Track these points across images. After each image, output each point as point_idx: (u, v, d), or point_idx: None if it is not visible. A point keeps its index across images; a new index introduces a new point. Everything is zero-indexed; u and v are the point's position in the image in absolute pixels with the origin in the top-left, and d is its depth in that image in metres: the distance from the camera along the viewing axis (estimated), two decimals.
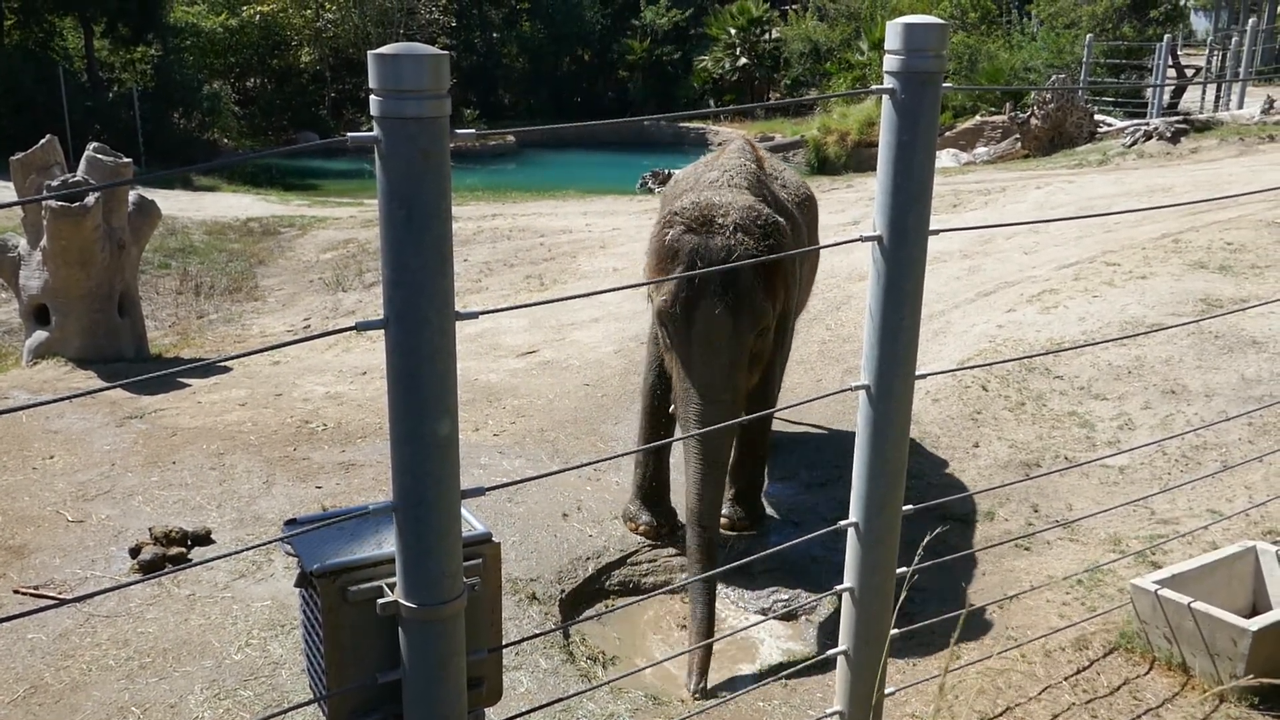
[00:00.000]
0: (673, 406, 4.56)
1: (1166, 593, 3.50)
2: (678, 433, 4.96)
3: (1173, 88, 20.16)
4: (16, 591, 4.26)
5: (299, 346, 8.20)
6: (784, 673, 3.91)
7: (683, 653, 4.27)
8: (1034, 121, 17.96)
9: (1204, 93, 20.84)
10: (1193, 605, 3.42)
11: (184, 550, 4.59)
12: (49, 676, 3.72)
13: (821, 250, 5.74)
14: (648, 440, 5.01)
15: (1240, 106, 19.19)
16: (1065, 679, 3.54)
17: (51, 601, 4.14)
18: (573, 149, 28.04)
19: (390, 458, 2.05)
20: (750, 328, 4.14)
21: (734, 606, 4.66)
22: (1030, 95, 18.53)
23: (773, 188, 4.83)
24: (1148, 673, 3.53)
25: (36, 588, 4.29)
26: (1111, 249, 8.28)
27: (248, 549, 2.36)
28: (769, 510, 5.23)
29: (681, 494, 5.18)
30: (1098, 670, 3.57)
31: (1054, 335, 6.51)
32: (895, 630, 3.05)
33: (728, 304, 4.06)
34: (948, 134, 19.22)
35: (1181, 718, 3.31)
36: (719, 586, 4.71)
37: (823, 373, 7.01)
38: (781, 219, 4.31)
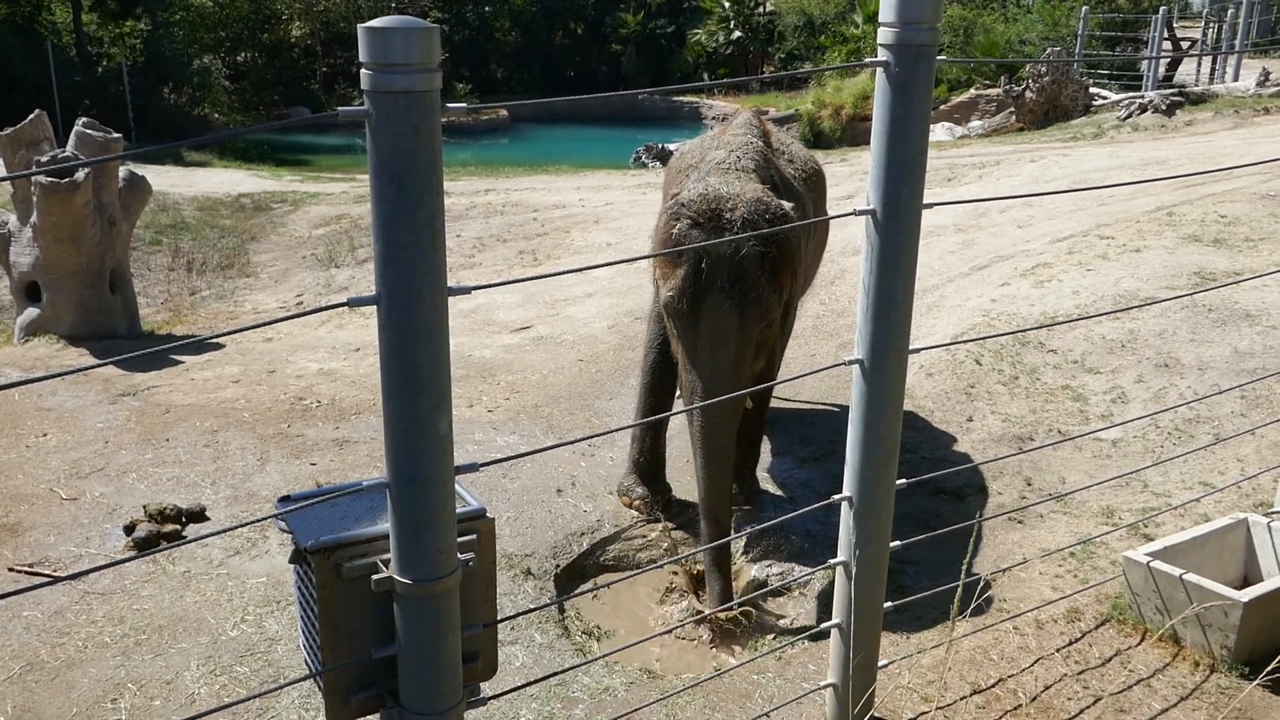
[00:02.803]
0: (678, 395, 4.57)
1: (1158, 565, 3.52)
2: (676, 407, 4.97)
3: (1168, 60, 20.10)
4: (11, 569, 4.26)
5: (292, 323, 8.17)
6: (778, 646, 3.93)
7: (677, 626, 4.29)
8: (1029, 95, 17.91)
9: (1199, 65, 20.78)
10: (1184, 577, 3.43)
11: (179, 527, 4.59)
12: (45, 654, 3.73)
13: (826, 225, 5.70)
14: (645, 416, 5.00)
15: (1236, 79, 19.14)
16: (1057, 650, 3.56)
17: (46, 579, 4.14)
18: (566, 123, 27.93)
19: (384, 434, 2.04)
20: (757, 322, 4.11)
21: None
22: (1025, 68, 18.47)
23: (779, 164, 4.77)
24: (1139, 644, 3.56)
25: (31, 565, 4.30)
26: (1105, 222, 8.28)
27: (242, 526, 2.37)
28: (764, 485, 5.24)
29: (676, 468, 5.20)
30: (1090, 642, 3.59)
31: (1047, 309, 6.51)
32: (888, 603, 3.06)
33: (735, 300, 4.02)
34: (942, 107, 19.15)
35: (1173, 688, 3.33)
36: None
37: (816, 347, 7.01)
38: (790, 206, 4.25)
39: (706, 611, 4.20)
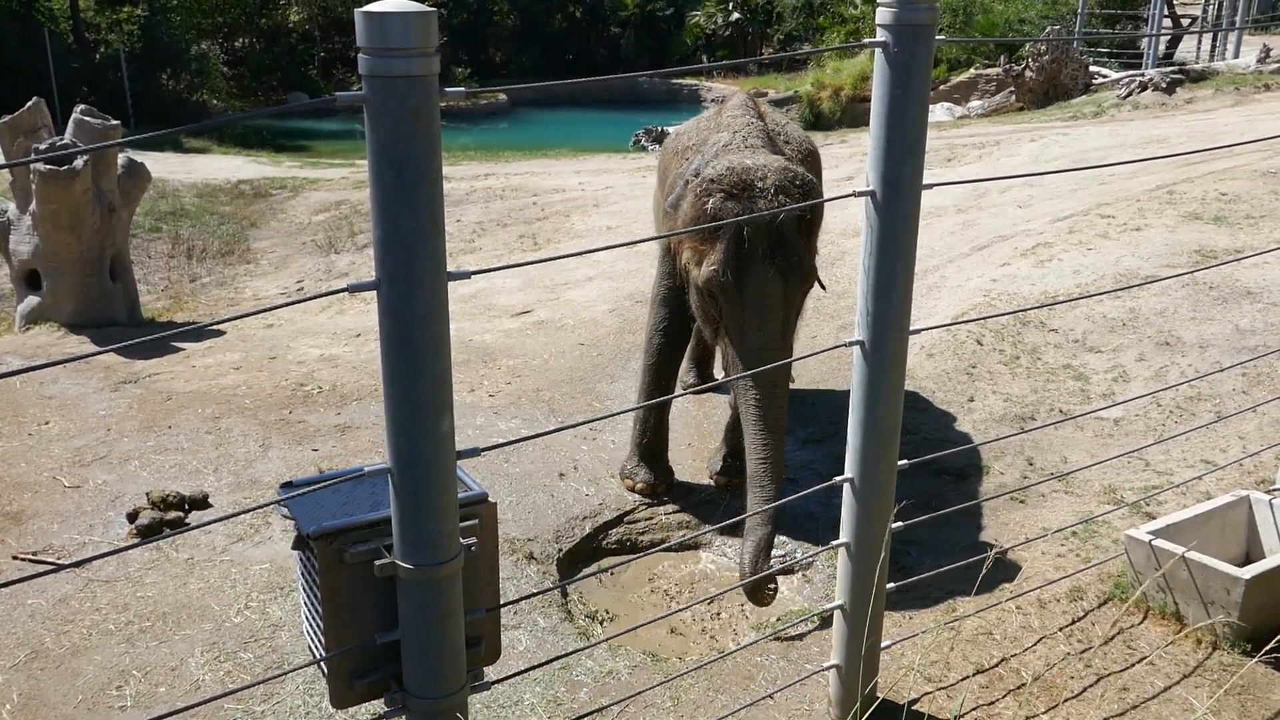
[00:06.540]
0: (721, 374, 4.54)
1: (1160, 543, 3.52)
2: (677, 390, 4.97)
3: (1168, 38, 20.01)
4: (15, 557, 4.27)
5: (292, 309, 8.17)
6: (781, 627, 3.94)
7: (678, 610, 4.30)
8: (1029, 74, 17.84)
9: (1200, 42, 20.70)
10: (1187, 555, 3.44)
11: (181, 514, 4.60)
12: (49, 641, 3.74)
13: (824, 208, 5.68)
14: (649, 399, 5.01)
15: (1236, 56, 19.06)
16: (1060, 629, 3.57)
17: (50, 567, 4.15)
18: (565, 107, 27.85)
19: (385, 420, 2.04)
20: (798, 286, 4.15)
21: (730, 562, 4.68)
22: (1025, 47, 18.40)
23: (779, 145, 4.77)
24: (1142, 622, 3.56)
25: (35, 553, 4.31)
26: (1106, 201, 8.26)
27: (245, 512, 2.38)
28: None
29: (679, 451, 5.21)
30: (1092, 620, 3.60)
31: (1048, 288, 6.50)
32: (891, 584, 3.07)
33: (779, 266, 4.05)
34: (941, 87, 19.09)
35: (1175, 666, 3.34)
36: (719, 541, 4.75)
37: (817, 329, 7.01)
38: (813, 176, 4.29)
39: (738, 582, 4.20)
